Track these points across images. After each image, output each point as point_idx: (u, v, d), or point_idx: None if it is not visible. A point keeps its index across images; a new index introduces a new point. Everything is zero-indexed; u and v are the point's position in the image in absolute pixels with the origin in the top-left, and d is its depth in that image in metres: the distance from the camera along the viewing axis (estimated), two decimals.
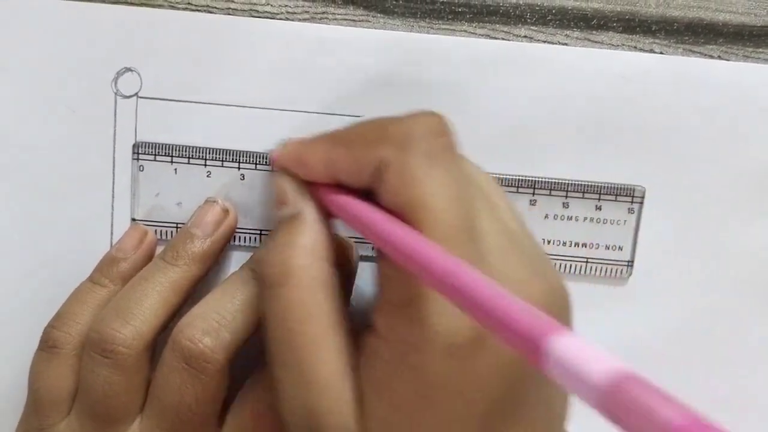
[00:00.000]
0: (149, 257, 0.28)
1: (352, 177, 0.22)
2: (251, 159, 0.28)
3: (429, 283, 0.18)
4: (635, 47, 0.28)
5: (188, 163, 0.28)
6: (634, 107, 0.28)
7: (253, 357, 0.25)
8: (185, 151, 0.28)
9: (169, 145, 0.28)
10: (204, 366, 0.24)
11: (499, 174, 0.28)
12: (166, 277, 0.26)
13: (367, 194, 0.22)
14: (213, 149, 0.28)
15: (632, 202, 0.28)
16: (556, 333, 0.14)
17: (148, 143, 0.28)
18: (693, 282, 0.29)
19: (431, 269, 0.17)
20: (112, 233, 0.28)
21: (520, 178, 0.28)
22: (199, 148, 0.28)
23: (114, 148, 0.28)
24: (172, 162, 0.28)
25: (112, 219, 0.28)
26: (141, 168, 0.28)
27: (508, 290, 0.16)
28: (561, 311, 0.22)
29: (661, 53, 0.28)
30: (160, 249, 0.28)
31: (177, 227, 0.28)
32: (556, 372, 0.13)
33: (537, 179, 0.28)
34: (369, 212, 0.21)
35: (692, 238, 0.29)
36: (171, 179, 0.28)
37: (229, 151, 0.28)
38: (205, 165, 0.28)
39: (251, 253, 0.27)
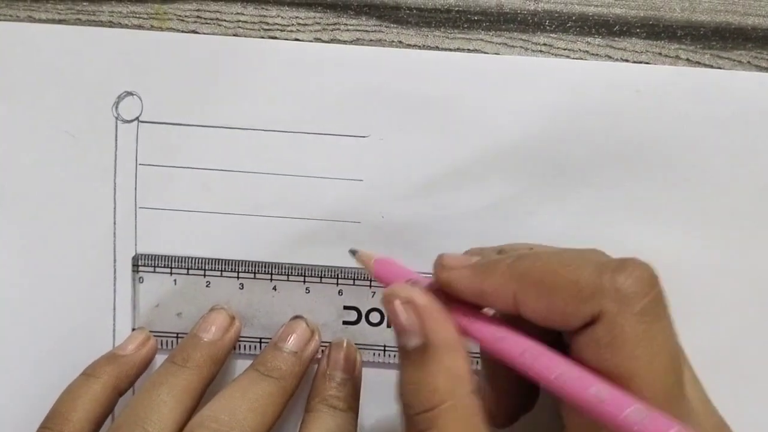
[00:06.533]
0: (148, 360, 0.27)
1: (540, 317, 0.20)
2: (250, 268, 0.27)
3: None
4: (660, 53, 0.27)
5: (187, 274, 0.27)
6: (649, 121, 0.27)
7: None
8: (184, 262, 0.27)
9: (168, 256, 0.27)
10: None
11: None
12: (179, 379, 0.25)
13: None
14: (212, 260, 0.27)
15: None
16: None
17: (148, 255, 0.27)
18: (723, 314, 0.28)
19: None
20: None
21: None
22: (198, 258, 0.27)
23: (115, 173, 0.27)
24: (171, 273, 0.27)
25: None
26: (141, 279, 0.28)
27: None
28: None
29: (687, 60, 0.27)
30: (160, 358, 0.27)
31: (177, 337, 0.28)
32: None
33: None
34: (557, 363, 0.19)
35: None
36: (170, 290, 0.27)
37: (228, 261, 0.27)
38: (204, 275, 0.27)
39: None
